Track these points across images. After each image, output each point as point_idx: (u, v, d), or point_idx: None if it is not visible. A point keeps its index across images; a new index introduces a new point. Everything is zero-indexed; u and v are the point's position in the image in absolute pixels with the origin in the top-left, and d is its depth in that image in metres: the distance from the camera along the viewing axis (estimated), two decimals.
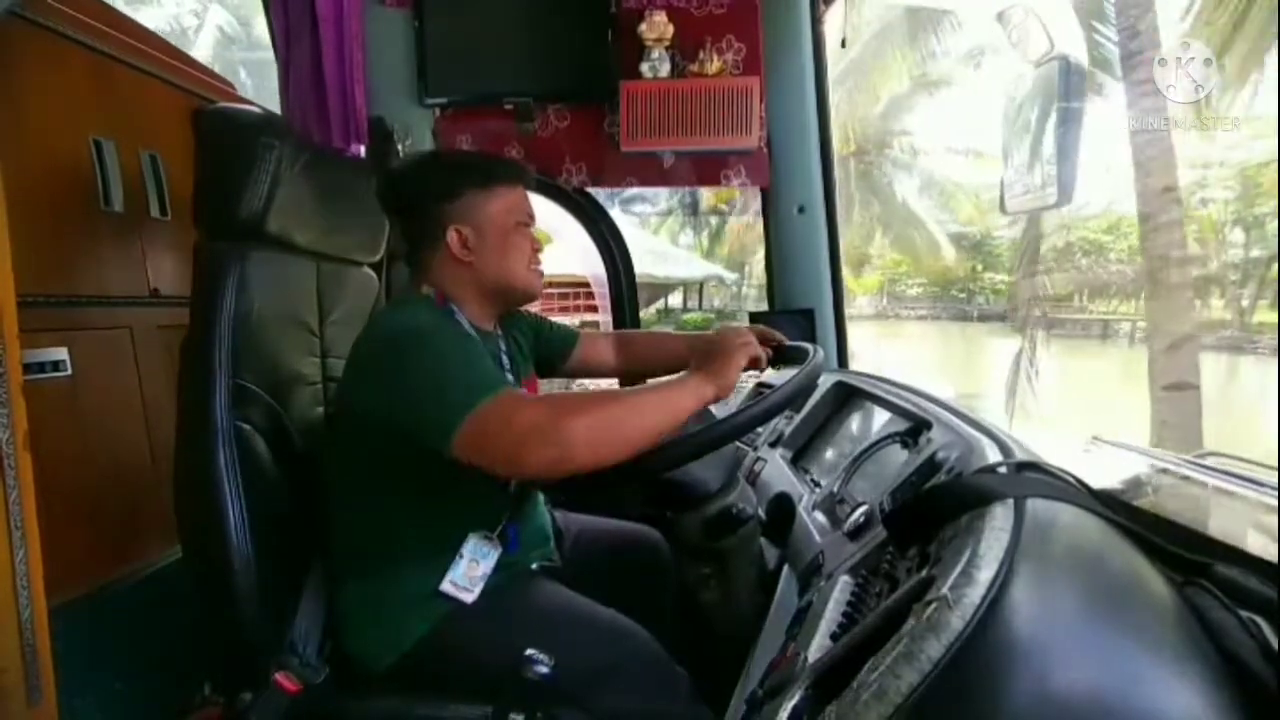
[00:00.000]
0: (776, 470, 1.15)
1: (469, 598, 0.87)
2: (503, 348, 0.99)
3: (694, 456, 0.82)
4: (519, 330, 1.08)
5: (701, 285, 15.29)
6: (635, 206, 13.98)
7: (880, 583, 0.61)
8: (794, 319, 1.55)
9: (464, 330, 0.89)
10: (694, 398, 0.79)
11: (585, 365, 1.17)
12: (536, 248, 0.97)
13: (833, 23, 1.58)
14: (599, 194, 1.72)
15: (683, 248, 14.57)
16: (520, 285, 0.96)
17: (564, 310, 9.77)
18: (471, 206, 0.92)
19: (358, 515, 0.89)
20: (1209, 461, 0.75)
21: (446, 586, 0.86)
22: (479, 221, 0.92)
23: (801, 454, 1.20)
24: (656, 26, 1.46)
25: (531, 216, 0.98)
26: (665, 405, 0.77)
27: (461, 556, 0.87)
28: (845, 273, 1.64)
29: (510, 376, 0.96)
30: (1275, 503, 0.60)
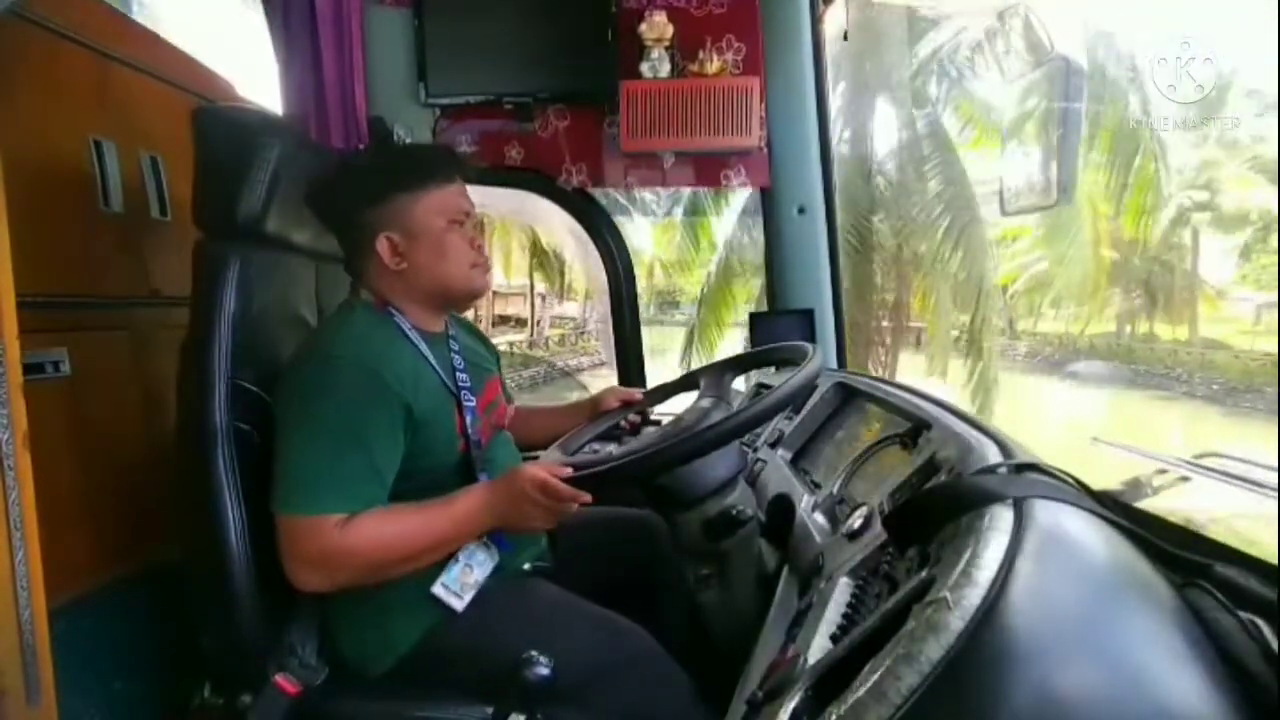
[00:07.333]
0: (776, 471, 1.15)
1: (458, 604, 0.86)
2: (454, 347, 0.96)
3: (690, 458, 0.82)
4: (483, 343, 1.08)
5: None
6: None
7: (880, 584, 0.60)
8: (794, 319, 1.55)
9: (381, 381, 0.82)
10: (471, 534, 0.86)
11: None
12: (477, 244, 0.93)
13: (832, 17, 1.58)
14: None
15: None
16: (460, 288, 0.93)
17: None
18: (400, 211, 0.88)
19: None
20: (1209, 462, 0.75)
21: (437, 589, 0.85)
22: (409, 226, 0.88)
23: (801, 455, 1.19)
24: (656, 26, 1.46)
25: (468, 212, 0.93)
26: (443, 544, 0.84)
27: (457, 560, 0.87)
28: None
29: (464, 377, 0.93)
30: (1275, 503, 0.60)
